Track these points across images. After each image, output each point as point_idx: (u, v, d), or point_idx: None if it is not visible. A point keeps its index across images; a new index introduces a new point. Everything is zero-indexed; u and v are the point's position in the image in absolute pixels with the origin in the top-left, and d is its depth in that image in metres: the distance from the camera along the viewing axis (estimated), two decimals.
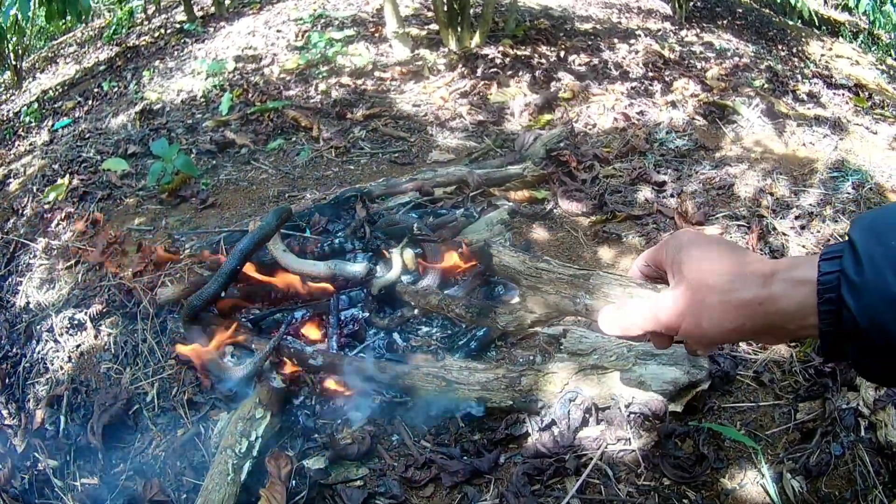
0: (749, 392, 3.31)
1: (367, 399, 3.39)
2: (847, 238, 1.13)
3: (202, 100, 7.62)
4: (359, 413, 3.35)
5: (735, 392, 3.31)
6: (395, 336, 3.78)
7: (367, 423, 3.30)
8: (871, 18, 11.40)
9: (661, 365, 3.06)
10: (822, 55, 10.59)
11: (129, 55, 10.49)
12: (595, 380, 3.09)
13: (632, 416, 3.04)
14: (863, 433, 2.89)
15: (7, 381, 4.01)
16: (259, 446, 3.05)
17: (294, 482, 3.01)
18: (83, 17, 8.00)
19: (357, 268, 3.76)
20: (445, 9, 8.17)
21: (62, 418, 3.56)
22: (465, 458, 3.06)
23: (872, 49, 11.91)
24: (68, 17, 7.73)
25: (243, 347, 3.66)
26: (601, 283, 1.78)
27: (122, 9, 12.56)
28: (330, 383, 3.44)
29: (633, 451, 2.98)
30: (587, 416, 3.06)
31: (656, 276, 1.62)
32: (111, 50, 11.15)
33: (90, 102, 8.73)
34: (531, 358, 3.59)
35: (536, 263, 2.12)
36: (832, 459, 2.85)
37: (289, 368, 3.48)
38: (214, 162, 6.09)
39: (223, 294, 3.69)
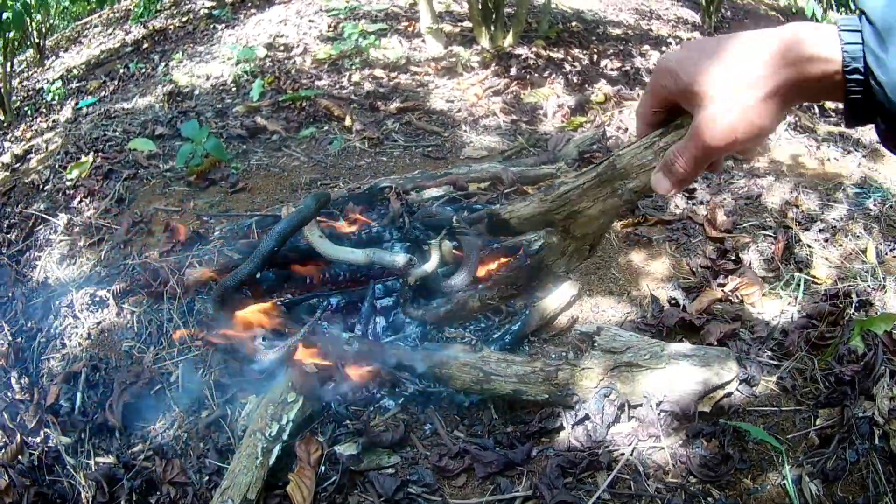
0: (772, 397, 3.35)
1: (401, 387, 3.40)
2: (860, 13, 1.15)
3: (232, 85, 7.62)
4: (392, 401, 3.37)
5: (759, 396, 3.35)
6: (430, 327, 3.78)
7: (400, 412, 3.32)
8: None
9: (692, 365, 3.08)
10: None
11: (156, 38, 10.50)
12: (629, 377, 3.11)
13: (662, 414, 3.07)
14: (877, 441, 2.94)
15: (21, 355, 3.96)
16: (290, 430, 3.06)
17: (324, 468, 3.03)
18: None
19: (397, 258, 3.74)
20: (480, 7, 8.17)
21: (79, 395, 3.54)
22: (499, 449, 3.07)
23: None
24: None
25: (276, 331, 3.64)
26: (629, 161, 1.72)
27: None
28: (364, 370, 3.43)
29: (663, 448, 3.01)
30: (620, 412, 3.09)
31: (668, 119, 1.58)
32: (138, 32, 11.12)
33: (116, 83, 8.75)
34: (564, 354, 3.63)
35: (555, 192, 2.05)
36: (847, 465, 2.91)
37: (312, 354, 3.43)
38: (245, 147, 6.08)
39: (258, 275, 3.67)
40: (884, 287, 4.13)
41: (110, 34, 11.66)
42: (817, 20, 10.40)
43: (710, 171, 1.40)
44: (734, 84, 1.26)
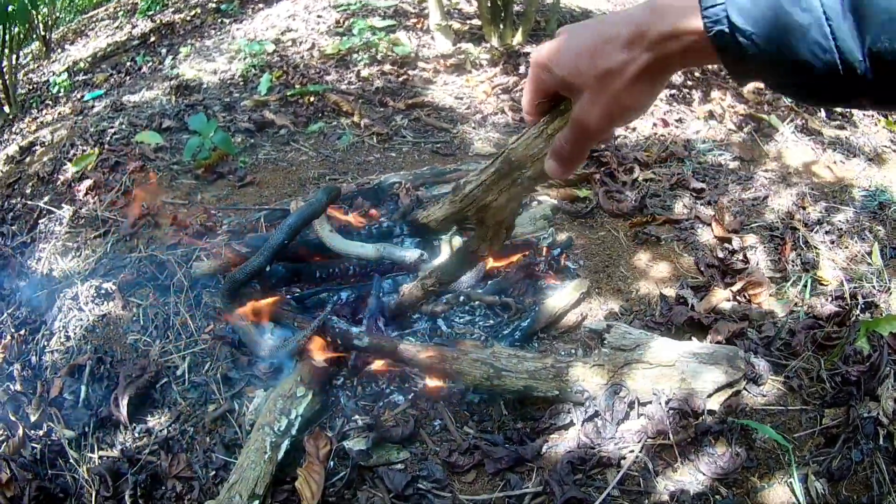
0: (779, 396, 3.38)
1: (410, 382, 3.43)
2: None
3: (240, 79, 7.61)
4: (402, 396, 3.39)
5: (766, 395, 3.38)
6: (440, 322, 3.81)
7: (410, 407, 3.34)
8: None
9: (701, 363, 3.14)
10: None
11: (163, 31, 10.48)
12: (639, 374, 3.15)
13: (671, 411, 3.09)
14: (881, 441, 2.98)
15: (24, 347, 3.94)
16: (298, 425, 3.07)
17: (332, 463, 3.05)
18: None
19: (408, 253, 3.77)
20: (489, 5, 8.18)
21: (83, 388, 3.52)
22: (509, 445, 3.09)
23: None
24: None
25: (285, 325, 3.64)
26: (521, 152, 1.80)
27: None
28: (374, 365, 3.46)
29: (672, 445, 3.03)
30: (629, 409, 3.12)
31: (552, 105, 1.65)
32: (145, 26, 11.11)
33: (123, 76, 8.73)
34: (573, 351, 3.65)
35: (462, 192, 2.15)
36: (852, 465, 2.94)
37: (322, 347, 3.43)
38: (253, 141, 6.09)
39: (268, 269, 3.67)
40: (889, 289, 4.17)
41: (117, 27, 11.65)
42: None
43: (602, 143, 1.47)
44: (600, 73, 1.32)
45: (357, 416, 3.26)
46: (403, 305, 3.66)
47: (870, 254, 4.52)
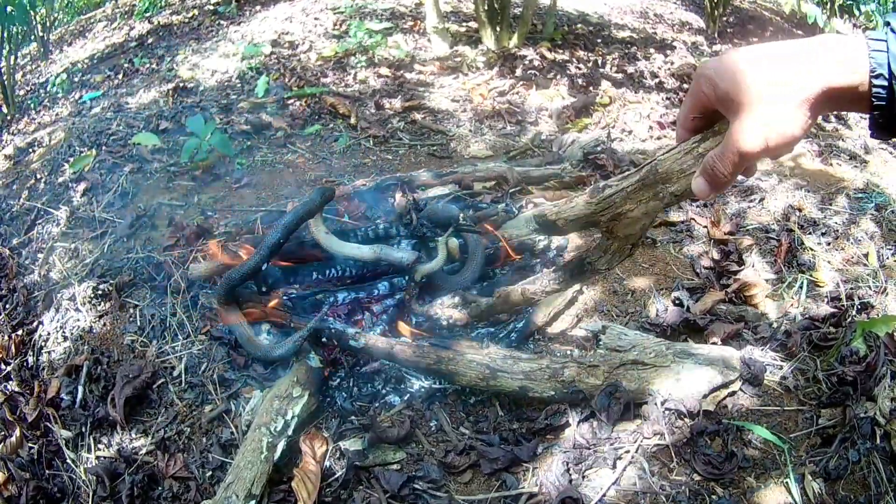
0: (775, 397, 3.39)
1: (406, 383, 3.43)
2: (886, 25, 1.22)
3: (237, 81, 7.62)
4: (398, 397, 3.40)
5: (762, 396, 3.37)
6: (435, 323, 3.78)
7: (406, 408, 3.34)
8: None
9: (697, 364, 3.16)
10: None
11: (161, 33, 10.49)
12: (634, 375, 3.16)
13: (667, 412, 3.11)
14: (878, 441, 2.97)
15: (22, 348, 3.95)
16: (294, 425, 3.08)
17: (329, 463, 3.05)
18: None
19: (405, 255, 3.74)
20: (486, 7, 8.19)
21: (80, 388, 3.53)
22: (504, 445, 3.09)
23: None
24: None
25: (281, 326, 3.67)
26: (669, 166, 1.78)
27: None
28: (369, 366, 3.48)
29: (667, 446, 3.04)
30: (625, 410, 3.12)
31: (709, 125, 1.64)
32: (142, 27, 11.12)
33: (120, 77, 8.73)
34: (569, 352, 3.61)
35: (601, 195, 2.09)
36: (849, 465, 2.95)
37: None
38: (249, 143, 6.09)
39: (264, 268, 3.66)
40: (885, 290, 4.17)
41: (115, 29, 11.66)
42: (821, 28, 10.45)
43: (744, 176, 1.44)
44: (766, 95, 1.31)
45: (353, 417, 3.27)
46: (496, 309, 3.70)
47: (866, 255, 4.53)
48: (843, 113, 8.09)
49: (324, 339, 3.47)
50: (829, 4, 10.62)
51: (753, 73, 1.33)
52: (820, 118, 7.05)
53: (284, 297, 3.78)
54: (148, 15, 11.69)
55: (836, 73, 1.25)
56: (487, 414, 3.29)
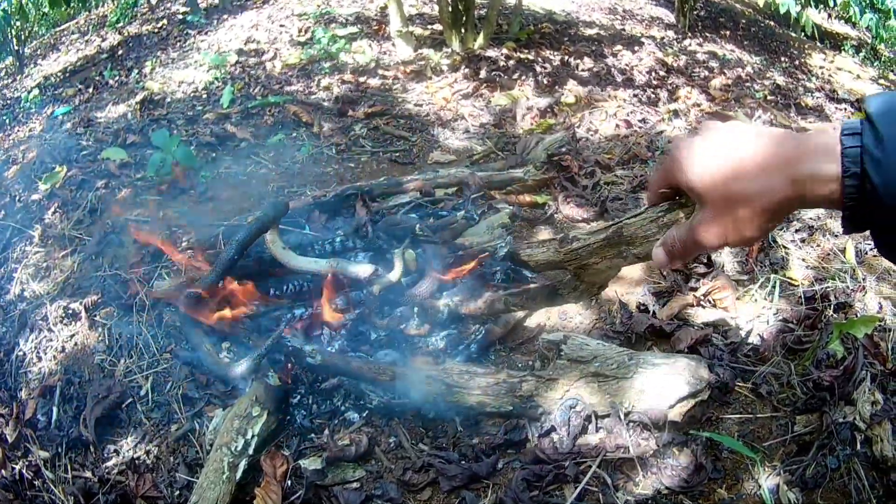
0: (747, 404, 3.33)
1: (365, 399, 3.39)
2: (864, 116, 1.16)
3: (203, 92, 7.58)
4: (356, 413, 3.37)
5: (733, 403, 3.33)
6: (395, 337, 3.77)
7: (365, 424, 3.32)
8: (874, 33, 11.38)
9: (662, 374, 3.08)
10: (823, 68, 10.68)
11: (131, 44, 10.45)
12: (595, 387, 3.11)
13: (631, 424, 3.06)
14: (859, 447, 2.91)
15: (1, 368, 3.98)
16: (255, 444, 3.06)
17: (290, 482, 3.03)
18: (87, 4, 7.96)
19: (361, 268, 3.73)
20: (450, 9, 8.17)
21: (55, 409, 3.54)
22: (464, 462, 3.06)
23: (874, 64, 12.00)
24: (72, 4, 7.68)
25: (241, 343, 3.66)
26: (634, 230, 1.82)
27: None
28: (328, 382, 3.44)
29: (632, 459, 2.99)
30: (587, 423, 3.08)
31: (674, 196, 1.64)
32: (114, 38, 11.10)
33: (91, 90, 8.70)
34: (530, 363, 3.60)
35: (569, 246, 2.16)
36: (828, 472, 2.89)
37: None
38: (214, 155, 6.07)
39: (220, 284, 3.68)
40: (864, 288, 4.09)
41: (87, 41, 11.63)
42: (794, 18, 10.43)
43: (704, 256, 1.48)
44: (730, 195, 1.31)
45: (313, 435, 3.26)
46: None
47: (843, 251, 4.44)
48: (818, 105, 8.18)
49: (282, 357, 3.46)
50: None
51: (722, 172, 1.32)
52: (796, 115, 7.13)
53: (243, 314, 3.79)
54: (119, 26, 11.68)
55: (808, 183, 1.22)
56: (447, 429, 3.26)
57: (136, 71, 8.84)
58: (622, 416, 3.06)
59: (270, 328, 3.77)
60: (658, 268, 1.50)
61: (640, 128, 6.63)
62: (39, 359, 3.88)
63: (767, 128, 1.33)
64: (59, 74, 9.93)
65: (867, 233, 1.23)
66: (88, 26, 12.61)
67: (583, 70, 8.20)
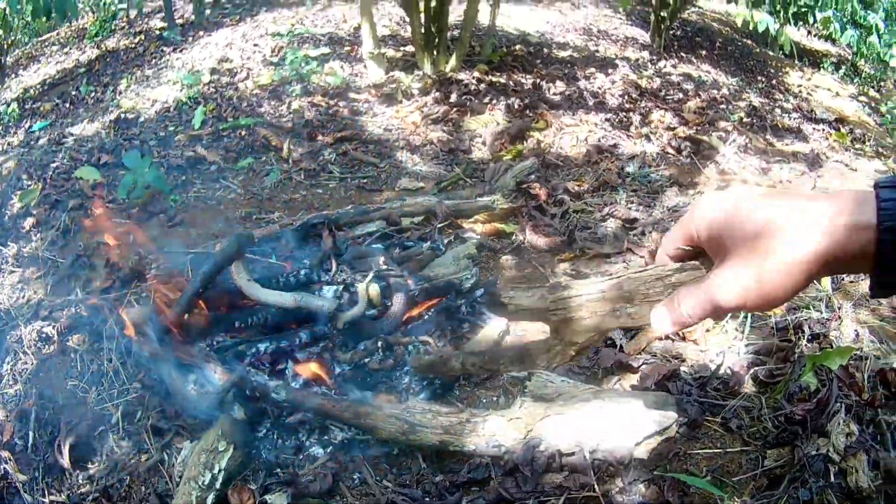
0: (716, 438, 3.29)
1: (329, 435, 3.40)
2: None
3: (175, 112, 7.57)
4: (321, 449, 3.36)
5: (702, 438, 3.29)
6: (359, 372, 3.77)
7: (330, 460, 3.30)
8: (855, 49, 11.42)
9: (628, 412, 3.06)
10: (801, 86, 10.72)
11: (107, 59, 10.44)
12: (560, 425, 3.08)
13: (596, 462, 3.03)
14: (832, 479, 2.87)
15: None
16: (222, 479, 3.05)
17: None
18: (69, 16, 7.93)
19: (325, 303, 3.73)
20: (423, 31, 8.16)
21: (30, 433, 3.55)
22: (427, 499, 3.04)
23: (854, 80, 12.05)
24: (54, 15, 7.65)
25: (205, 376, 3.62)
26: (636, 286, 1.70)
27: (105, 10, 12.48)
28: (292, 417, 3.45)
29: (598, 497, 2.95)
30: (551, 461, 3.05)
31: (693, 256, 1.51)
32: (92, 52, 11.07)
33: (67, 105, 8.67)
34: (494, 399, 3.61)
35: (558, 294, 2.07)
36: None
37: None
38: (184, 177, 6.06)
39: (186, 316, 3.70)
40: (839, 317, 4.00)
41: (66, 53, 11.60)
42: (773, 36, 10.46)
43: (714, 320, 1.35)
44: (760, 245, 1.22)
45: (278, 469, 3.25)
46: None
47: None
48: (796, 125, 8.20)
49: (247, 392, 3.46)
50: (781, 13, 10.62)
51: (748, 226, 1.24)
52: (772, 136, 7.15)
53: (208, 347, 3.78)
54: (98, 39, 11.66)
55: (842, 234, 1.14)
56: (410, 466, 3.25)
57: (111, 88, 8.82)
58: (587, 455, 3.04)
59: (236, 360, 3.75)
60: (658, 331, 1.33)
61: (611, 153, 6.61)
62: (15, 381, 3.90)
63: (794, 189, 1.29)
64: (38, 87, 9.90)
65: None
66: (69, 38, 12.58)
67: (555, 94, 8.19)
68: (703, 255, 1.49)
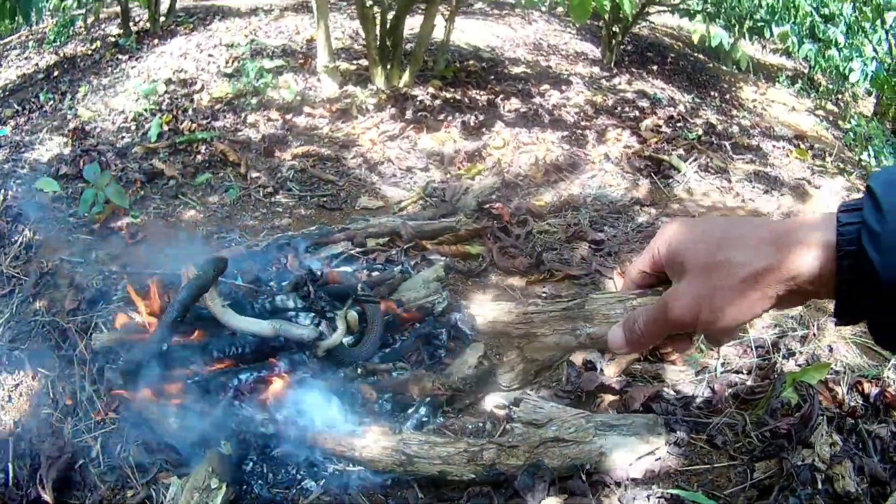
0: (704, 454, 3.34)
1: (321, 468, 3.34)
2: (866, 190, 1.09)
3: (133, 123, 7.48)
4: (313, 482, 3.30)
5: (690, 455, 3.33)
6: (343, 401, 3.68)
7: (324, 493, 3.24)
8: (813, 62, 11.47)
9: (620, 435, 3.13)
10: (756, 101, 10.87)
11: (66, 66, 10.25)
12: (556, 451, 3.11)
13: (593, 484, 3.07)
14: (820, 486, 2.96)
15: None
16: None
17: None
18: (32, 18, 7.82)
19: (305, 331, 3.69)
20: (378, 44, 8.13)
21: (10, 466, 3.45)
22: None
23: (811, 95, 12.15)
24: (16, 19, 7.54)
25: (187, 409, 3.55)
26: (598, 307, 1.74)
27: (63, 16, 12.36)
28: (280, 450, 3.39)
29: None
30: (550, 486, 3.05)
31: (656, 283, 1.48)
32: (50, 58, 10.94)
33: (27, 112, 8.55)
34: (481, 425, 3.57)
35: (524, 309, 2.09)
36: None
37: None
38: (143, 192, 5.97)
39: (164, 347, 3.60)
40: (815, 334, 4.09)
41: (27, 58, 11.47)
42: (726, 50, 10.52)
43: (678, 351, 1.31)
44: (712, 261, 1.20)
45: None
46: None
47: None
48: (755, 144, 8.24)
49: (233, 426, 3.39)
50: (736, 27, 10.67)
51: (708, 240, 1.23)
52: (732, 154, 7.16)
53: (188, 380, 3.71)
54: (56, 45, 11.55)
55: (796, 253, 1.13)
56: (407, 496, 3.20)
57: (69, 96, 8.70)
58: (584, 478, 3.08)
59: (217, 391, 3.69)
60: (614, 350, 1.32)
61: (570, 172, 6.64)
62: None
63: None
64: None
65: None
66: (29, 42, 12.45)
67: (510, 111, 8.19)
68: (668, 282, 1.44)
